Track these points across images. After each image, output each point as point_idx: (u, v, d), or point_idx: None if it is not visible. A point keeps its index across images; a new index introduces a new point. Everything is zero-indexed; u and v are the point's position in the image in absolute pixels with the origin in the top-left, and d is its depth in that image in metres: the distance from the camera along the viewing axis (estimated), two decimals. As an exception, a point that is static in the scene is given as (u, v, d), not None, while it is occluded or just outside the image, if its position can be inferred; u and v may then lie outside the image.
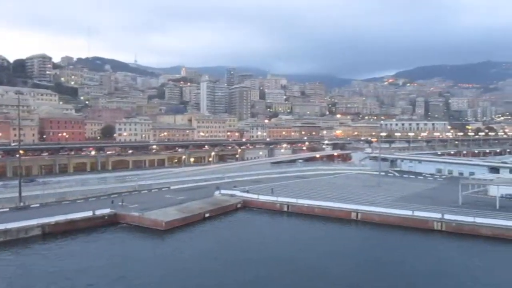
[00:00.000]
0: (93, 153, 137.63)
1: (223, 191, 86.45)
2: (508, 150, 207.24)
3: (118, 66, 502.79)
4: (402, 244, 58.73)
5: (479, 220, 61.88)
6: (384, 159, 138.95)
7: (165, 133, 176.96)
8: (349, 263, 50.36)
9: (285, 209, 77.56)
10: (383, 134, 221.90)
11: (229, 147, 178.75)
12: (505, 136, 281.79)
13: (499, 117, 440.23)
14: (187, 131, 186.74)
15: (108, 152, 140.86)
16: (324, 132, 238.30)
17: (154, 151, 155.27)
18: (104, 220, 65.76)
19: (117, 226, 65.01)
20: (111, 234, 61.21)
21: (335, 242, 59.96)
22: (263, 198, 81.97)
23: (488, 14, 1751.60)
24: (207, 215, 71.40)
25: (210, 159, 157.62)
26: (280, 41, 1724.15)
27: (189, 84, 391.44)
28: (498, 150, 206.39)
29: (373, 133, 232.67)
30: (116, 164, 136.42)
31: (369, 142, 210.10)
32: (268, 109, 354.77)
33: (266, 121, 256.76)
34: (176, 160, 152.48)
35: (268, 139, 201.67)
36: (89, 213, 64.85)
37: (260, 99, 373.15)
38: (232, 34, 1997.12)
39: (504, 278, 45.05)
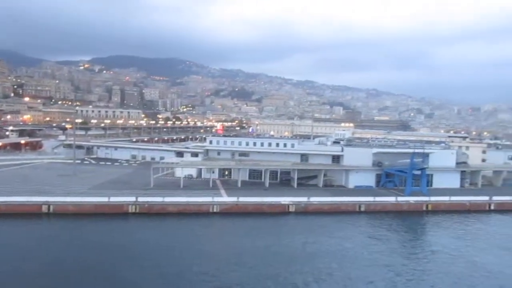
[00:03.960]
0: None
1: None
2: (190, 136, 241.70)
3: None
4: (98, 231, 59.46)
5: (167, 199, 70.44)
6: (80, 147, 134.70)
7: None
8: (34, 265, 44.79)
9: (-46, 211, 63.09)
10: (79, 120, 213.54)
11: None
12: (188, 124, 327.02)
13: (184, 108, 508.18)
14: None
15: None
16: (8, 116, 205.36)
17: None
18: None
19: None
20: None
21: (18, 243, 52.99)
22: None
23: (174, 15, 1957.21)
24: None
25: None
26: None
27: None
28: (183, 137, 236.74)
29: (68, 119, 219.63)
30: None
31: (64, 129, 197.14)
32: None
33: None
34: None
35: None
36: None
37: None
38: None
39: (177, 242, 53.40)
